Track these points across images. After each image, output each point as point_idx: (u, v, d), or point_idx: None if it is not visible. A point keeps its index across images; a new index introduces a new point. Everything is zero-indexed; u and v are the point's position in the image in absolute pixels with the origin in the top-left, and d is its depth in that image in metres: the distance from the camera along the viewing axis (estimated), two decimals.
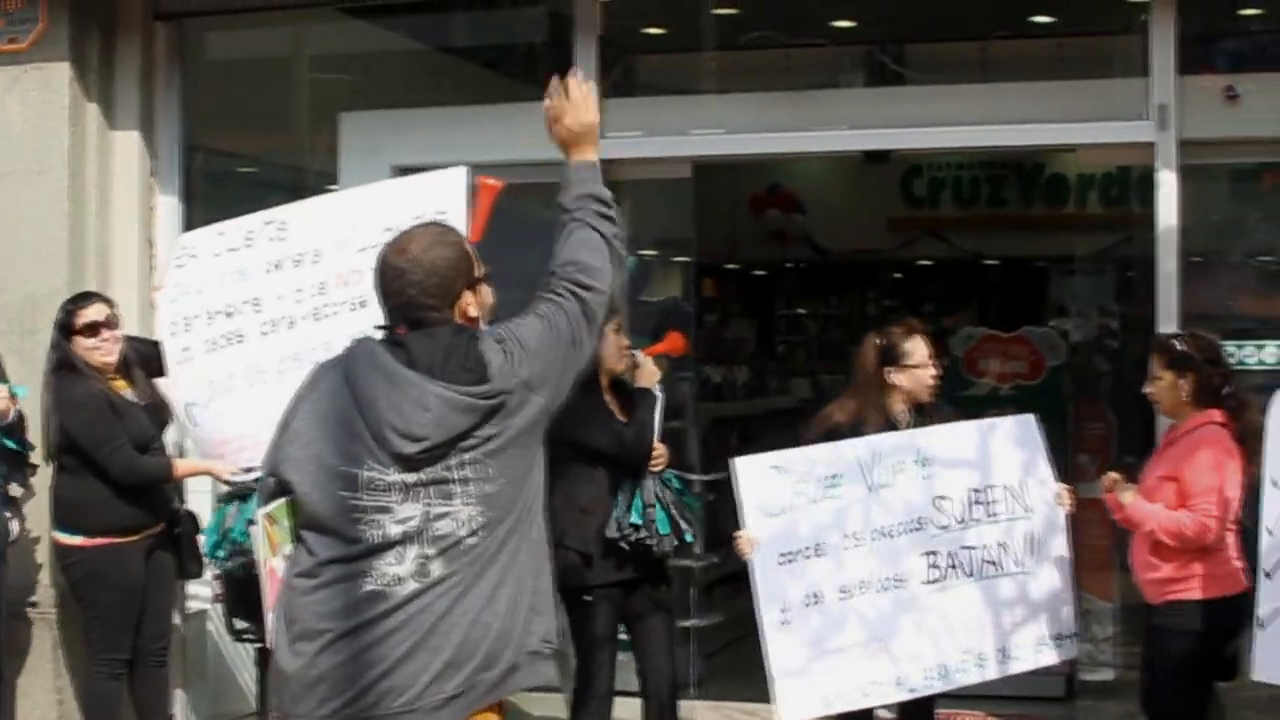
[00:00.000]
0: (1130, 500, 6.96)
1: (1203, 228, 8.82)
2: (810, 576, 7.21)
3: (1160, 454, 7.12)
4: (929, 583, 7.29)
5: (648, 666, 7.86)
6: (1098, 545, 7.92)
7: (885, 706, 7.69)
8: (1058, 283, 15.90)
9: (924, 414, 7.57)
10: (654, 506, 7.58)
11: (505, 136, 8.59)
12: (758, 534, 7.20)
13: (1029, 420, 7.39)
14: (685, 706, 8.42)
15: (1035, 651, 7.43)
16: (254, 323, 7.07)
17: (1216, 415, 6.93)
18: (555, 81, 5.00)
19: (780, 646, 7.18)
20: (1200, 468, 6.82)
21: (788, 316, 18.54)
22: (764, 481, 7.25)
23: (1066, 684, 9.99)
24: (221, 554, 7.24)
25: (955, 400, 8.47)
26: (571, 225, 4.94)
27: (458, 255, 4.78)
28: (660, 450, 7.69)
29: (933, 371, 7.54)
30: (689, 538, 7.69)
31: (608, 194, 5.01)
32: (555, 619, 4.90)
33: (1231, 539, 6.91)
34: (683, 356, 8.10)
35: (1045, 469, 7.45)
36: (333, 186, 9.24)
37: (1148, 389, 7.14)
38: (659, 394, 7.77)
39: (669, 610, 8.00)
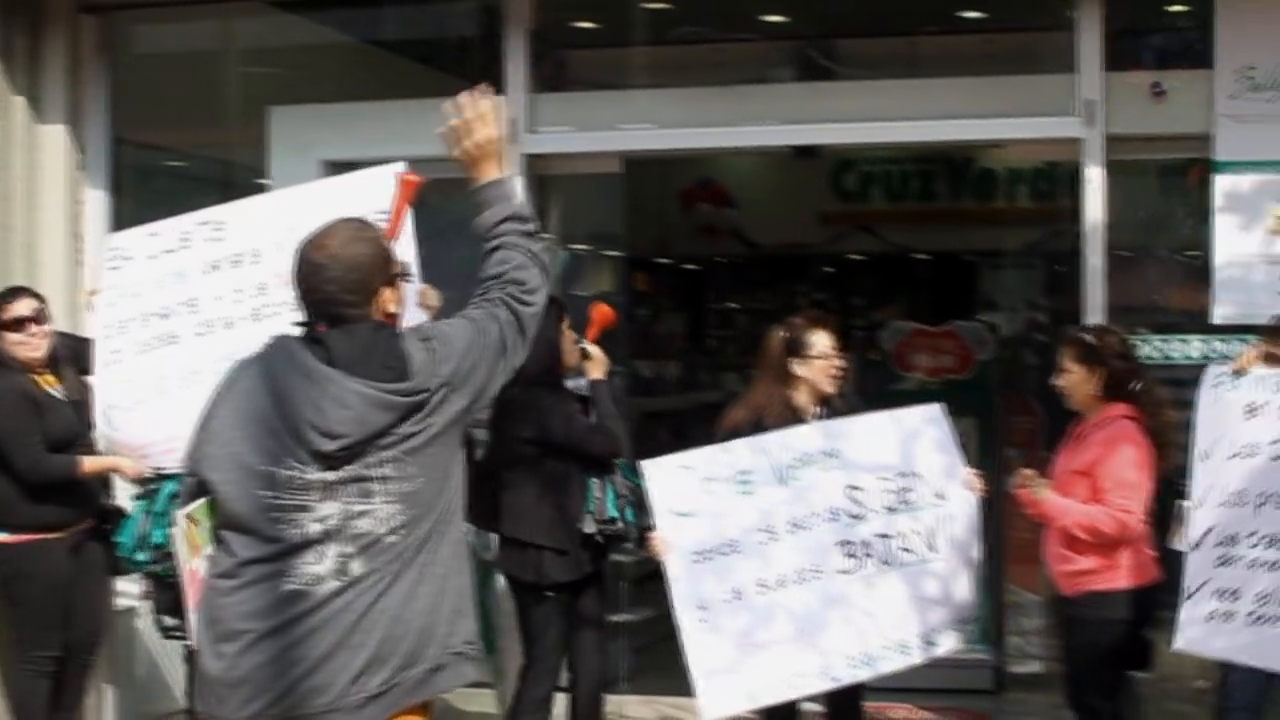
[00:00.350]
0: (1045, 496, 6.99)
1: (1129, 222, 8.87)
2: (727, 574, 7.22)
3: (1071, 448, 7.15)
4: (847, 573, 7.31)
5: (581, 663, 7.88)
6: (1025, 538, 7.94)
7: (812, 699, 7.72)
8: (987, 277, 15.95)
9: (831, 406, 7.60)
10: (625, 498, 7.61)
11: (435, 131, 8.55)
12: (671, 535, 7.21)
13: (937, 409, 7.42)
14: (615, 701, 8.44)
15: (953, 636, 7.47)
16: (189, 324, 7.00)
17: (1126, 409, 6.98)
18: (449, 104, 4.95)
19: (700, 645, 7.19)
20: (1114, 462, 6.86)
21: (719, 311, 18.55)
22: (674, 482, 7.26)
23: (995, 676, 10.05)
24: (143, 557, 7.16)
25: (885, 395, 8.50)
26: (498, 252, 4.92)
27: (377, 251, 4.76)
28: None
29: (836, 363, 7.56)
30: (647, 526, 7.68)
31: (524, 209, 4.99)
32: (476, 619, 4.90)
33: (1143, 530, 6.98)
34: (615, 335, 8.07)
35: (955, 456, 7.48)
36: (262, 181, 9.19)
37: (1057, 381, 7.18)
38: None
39: (603, 602, 8.04)
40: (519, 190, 5.06)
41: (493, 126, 4.97)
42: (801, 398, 7.57)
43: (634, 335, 13.70)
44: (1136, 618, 7.01)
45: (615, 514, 7.56)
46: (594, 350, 7.79)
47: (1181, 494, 7.26)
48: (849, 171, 16.50)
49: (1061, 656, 7.47)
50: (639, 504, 7.58)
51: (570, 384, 7.84)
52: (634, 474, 7.71)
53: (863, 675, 7.39)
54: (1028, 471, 7.17)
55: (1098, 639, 7.00)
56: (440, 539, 4.69)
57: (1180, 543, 7.24)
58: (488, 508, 7.81)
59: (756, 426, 7.45)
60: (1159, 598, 7.09)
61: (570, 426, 7.58)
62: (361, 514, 4.53)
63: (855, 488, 7.28)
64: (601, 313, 8.07)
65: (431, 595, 4.65)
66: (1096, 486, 6.88)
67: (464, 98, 4.95)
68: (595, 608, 7.92)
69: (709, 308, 18.50)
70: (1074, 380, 7.09)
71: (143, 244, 7.20)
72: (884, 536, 7.35)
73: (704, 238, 16.87)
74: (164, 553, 6.70)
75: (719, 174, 16.36)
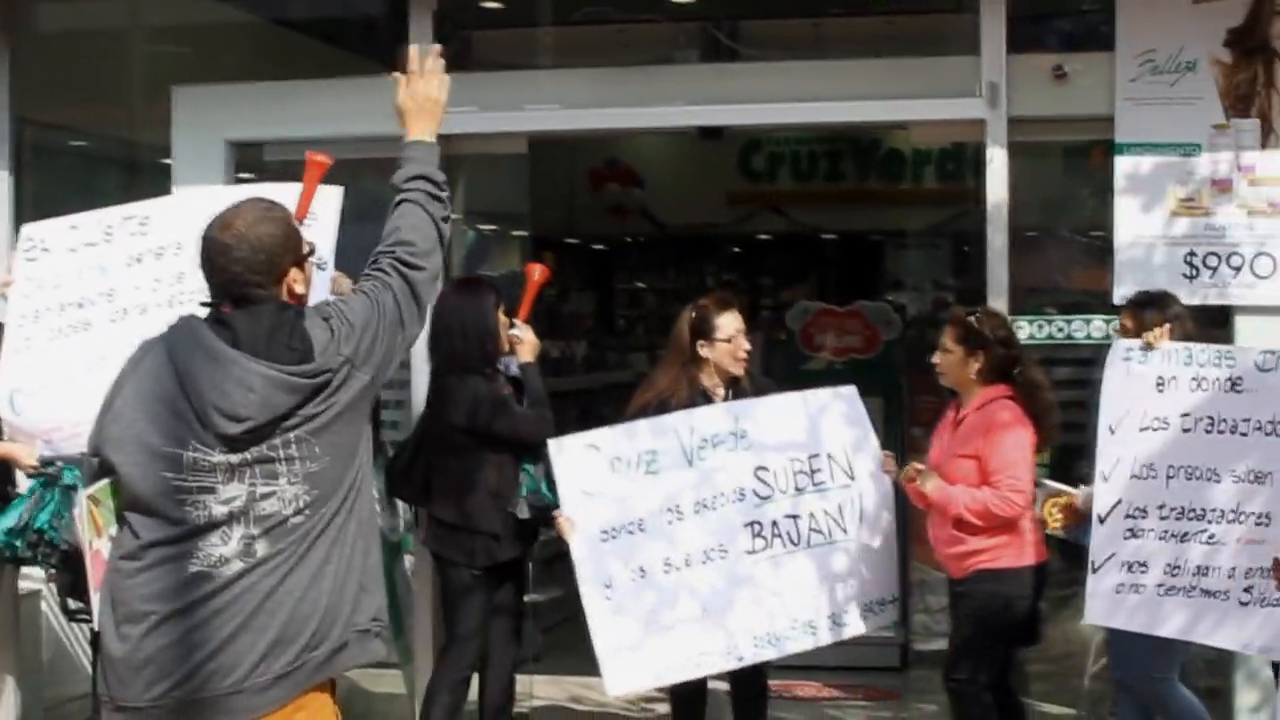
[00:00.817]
0: (934, 487, 7.04)
1: (1033, 203, 8.94)
2: (633, 553, 7.25)
3: (952, 431, 7.20)
4: (753, 553, 7.35)
5: (495, 644, 7.89)
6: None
7: (718, 678, 7.76)
8: (894, 257, 16.04)
9: (740, 387, 7.62)
10: (549, 481, 7.60)
11: (341, 111, 8.53)
12: (577, 514, 7.22)
13: (851, 391, 7.47)
14: (523, 680, 8.45)
15: (862, 617, 7.52)
16: (104, 312, 6.94)
17: (1004, 390, 7.06)
18: (412, 49, 5.01)
19: (605, 624, 7.22)
20: (1000, 444, 6.94)
21: (627, 291, 18.58)
22: (581, 461, 7.28)
23: (901, 654, 10.13)
24: (19, 543, 6.99)
25: (792, 374, 8.53)
26: (402, 205, 4.96)
27: (284, 232, 4.73)
28: None
29: (744, 345, 7.59)
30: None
31: (441, 176, 5.04)
32: (384, 597, 4.90)
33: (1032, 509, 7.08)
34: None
35: (868, 437, 7.54)
36: (166, 161, 9.13)
37: (935, 360, 7.23)
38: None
39: (522, 584, 8.06)
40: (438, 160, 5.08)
41: (442, 87, 5.07)
42: (709, 379, 7.59)
43: (541, 315, 13.69)
44: (1027, 595, 7.09)
45: (552, 499, 7.54)
46: (526, 334, 7.77)
47: (1047, 475, 7.40)
48: (757, 152, 16.55)
49: (950, 635, 7.50)
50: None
51: (501, 366, 7.81)
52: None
53: (768, 655, 7.44)
54: (917, 465, 7.21)
55: (989, 618, 7.06)
56: (347, 518, 4.68)
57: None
58: (420, 488, 7.88)
59: (664, 407, 7.47)
60: (1048, 575, 7.19)
61: (499, 414, 7.55)
62: (266, 495, 4.52)
63: (763, 468, 7.32)
64: (539, 272, 8.05)
65: (338, 575, 4.64)
66: (985, 470, 6.95)
67: (428, 50, 5.06)
68: (515, 591, 7.93)
69: (617, 288, 18.51)
70: (952, 361, 7.15)
71: (63, 236, 7.11)
72: (793, 517, 7.40)
73: (612, 218, 16.88)
74: (44, 539, 6.61)
75: (627, 154, 16.36)
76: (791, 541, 7.40)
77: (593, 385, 13.97)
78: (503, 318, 7.73)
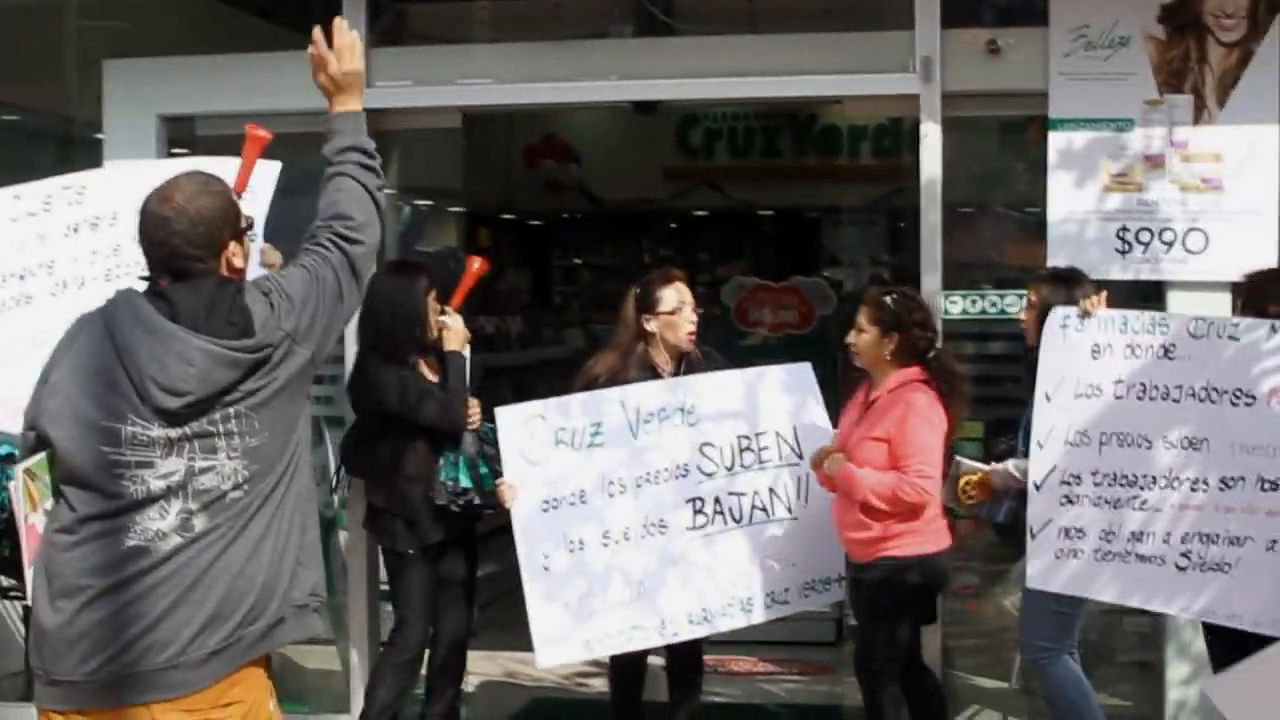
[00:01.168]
0: (840, 471, 6.99)
1: (967, 179, 8.94)
2: (573, 524, 7.29)
3: (863, 413, 7.14)
4: (694, 529, 7.37)
5: (443, 621, 7.88)
6: None
7: (653, 652, 7.77)
8: (831, 233, 16.07)
9: (690, 363, 7.63)
10: (477, 466, 7.56)
11: (276, 85, 8.47)
12: (520, 482, 7.24)
13: (803, 368, 7.48)
14: None
15: (803, 595, 7.54)
16: (45, 285, 6.92)
17: (918, 373, 7.04)
18: (319, 30, 4.99)
19: (541, 593, 7.26)
20: (912, 429, 6.89)
21: (564, 267, 18.55)
22: (527, 430, 7.30)
23: (837, 629, 10.15)
24: None
25: (727, 350, 8.54)
26: (335, 178, 4.96)
27: (223, 205, 4.74)
28: (474, 406, 7.67)
29: (689, 319, 7.59)
30: (489, 498, 7.61)
31: (371, 145, 5.04)
32: (321, 572, 4.89)
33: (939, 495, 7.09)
34: (447, 300, 8.00)
35: (820, 416, 7.55)
36: (99, 136, 9.06)
37: (850, 340, 7.19)
38: (466, 352, 7.75)
39: (473, 556, 8.01)
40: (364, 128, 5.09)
41: (357, 59, 5.05)
42: (657, 354, 7.60)
43: (477, 292, 13.64)
44: (932, 583, 7.12)
45: (469, 484, 7.51)
46: (455, 322, 7.73)
47: (959, 455, 7.42)
48: (694, 128, 16.56)
49: (859, 622, 7.42)
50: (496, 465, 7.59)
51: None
52: (495, 434, 7.69)
53: (701, 632, 7.47)
54: (825, 448, 7.16)
55: (895, 607, 7.06)
56: (285, 494, 4.69)
57: (952, 502, 7.41)
58: (363, 468, 7.92)
59: (612, 382, 7.49)
60: (951, 561, 7.20)
61: (404, 397, 7.50)
62: (205, 470, 4.52)
63: (709, 444, 7.33)
64: (478, 265, 8.01)
65: (275, 550, 4.65)
66: (895, 454, 6.90)
67: (333, 26, 5.02)
68: (461, 569, 7.90)
69: (554, 263, 18.48)
70: (868, 341, 7.10)
71: (5, 206, 7.09)
72: (737, 494, 7.42)
73: (548, 194, 16.86)
74: None
75: (564, 130, 16.34)
76: (734, 518, 7.42)
77: (528, 361, 13.96)
78: (433, 303, 7.70)
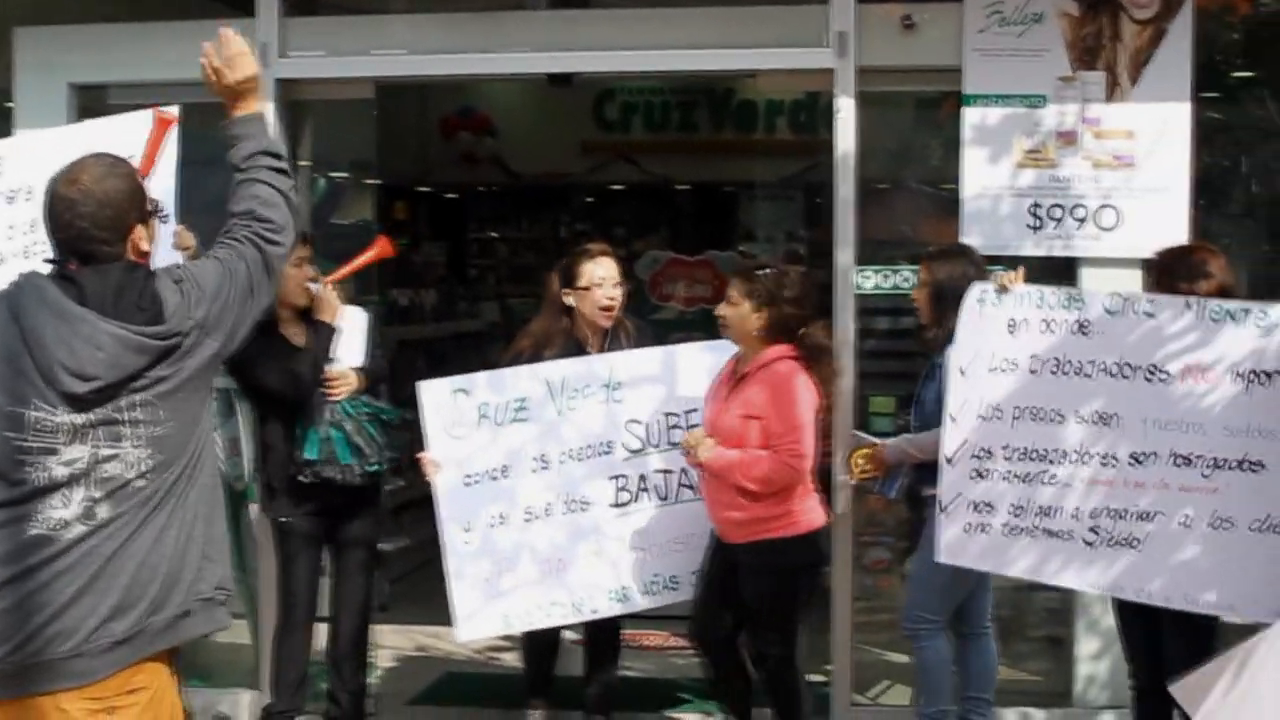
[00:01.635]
0: (711, 455, 6.91)
1: (882, 154, 8.95)
2: (495, 499, 7.28)
3: (733, 389, 7.03)
4: (617, 506, 7.37)
5: (341, 593, 7.83)
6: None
7: (571, 627, 7.76)
8: (747, 208, 16.05)
9: (618, 338, 7.60)
10: (329, 440, 7.49)
11: (187, 54, 8.31)
12: (442, 456, 7.22)
13: (725, 345, 7.45)
14: (372, 631, 8.38)
15: None
16: None
17: (788, 349, 6.94)
18: (208, 45, 4.99)
19: (461, 567, 7.24)
20: (784, 407, 6.80)
21: (480, 240, 18.48)
22: (450, 404, 7.28)
23: None
24: None
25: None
26: (249, 184, 4.96)
27: (130, 187, 4.71)
28: (339, 377, 7.58)
29: (606, 293, 7.56)
30: (374, 467, 7.57)
31: (279, 147, 5.08)
32: (229, 566, 4.87)
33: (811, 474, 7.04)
34: (362, 273, 7.95)
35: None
36: (9, 105, 8.96)
37: (720, 312, 7.10)
38: (340, 326, 7.66)
39: (370, 538, 7.93)
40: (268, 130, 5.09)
41: (251, 64, 5.05)
42: (581, 329, 7.58)
43: (392, 264, 13.59)
44: (812, 562, 7.08)
45: (314, 455, 7.46)
46: (326, 294, 7.61)
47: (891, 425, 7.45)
48: (610, 101, 16.51)
49: (737, 606, 7.26)
50: (367, 442, 7.53)
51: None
52: (370, 408, 7.60)
53: (621, 609, 7.48)
54: (696, 433, 7.07)
55: (780, 589, 7.00)
56: (189, 484, 4.67)
57: (844, 475, 7.54)
58: None
59: (538, 356, 7.48)
60: (827, 540, 7.17)
61: (247, 360, 7.36)
62: (110, 458, 4.48)
63: (635, 421, 7.31)
64: (382, 246, 7.93)
65: (179, 540, 4.63)
66: (768, 431, 6.81)
67: (222, 35, 5.01)
68: (349, 538, 7.81)
69: (470, 237, 18.41)
70: (737, 315, 7.00)
71: None
72: (663, 472, 7.41)
73: (465, 166, 16.79)
74: None
75: (480, 102, 16.28)
76: (659, 496, 7.43)
77: (443, 334, 13.91)
78: (300, 270, 7.57)
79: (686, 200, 17.73)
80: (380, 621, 9.44)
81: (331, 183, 10.46)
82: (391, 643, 9.59)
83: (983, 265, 7.45)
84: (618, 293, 7.64)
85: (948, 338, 7.08)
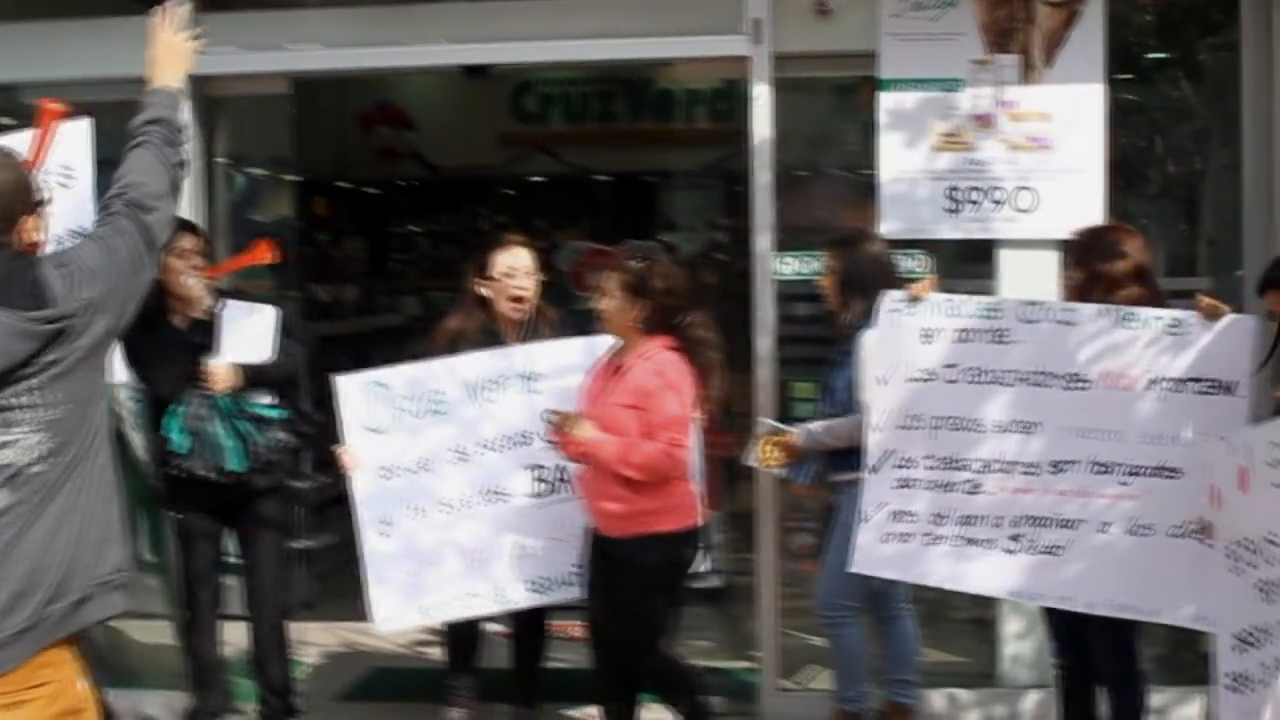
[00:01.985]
0: (591, 437, 6.77)
1: (800, 141, 8.97)
2: (412, 492, 7.28)
3: (613, 379, 6.92)
4: (535, 497, 7.35)
5: (251, 588, 7.79)
6: (705, 455, 8.02)
7: (494, 619, 7.76)
8: (667, 198, 16.04)
9: (539, 329, 7.60)
10: (195, 434, 7.44)
11: (101, 52, 8.35)
12: (359, 450, 7.21)
13: None
14: (297, 628, 8.36)
15: None
16: None
17: (668, 341, 6.85)
18: (161, 8, 5.02)
19: (379, 559, 7.25)
20: (663, 398, 6.69)
21: (400, 234, 18.40)
22: (367, 398, 7.28)
23: None
24: None
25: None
26: (135, 149, 4.95)
27: (19, 179, 4.68)
28: (213, 372, 7.46)
29: (517, 284, 7.55)
30: (233, 464, 7.48)
31: (180, 121, 5.04)
32: (127, 547, 4.83)
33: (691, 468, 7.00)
34: (282, 269, 7.91)
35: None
36: None
37: (598, 305, 7.01)
38: (226, 320, 7.56)
39: (276, 531, 7.87)
40: (181, 106, 5.07)
41: (186, 40, 5.15)
42: (498, 319, 7.57)
43: (312, 260, 13.55)
44: (690, 557, 6.99)
45: (179, 448, 7.44)
46: (188, 286, 7.48)
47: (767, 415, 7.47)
48: (529, 93, 16.46)
49: (606, 602, 7.17)
50: (233, 438, 7.48)
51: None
52: (234, 405, 7.52)
53: (539, 600, 7.48)
54: (562, 411, 6.93)
55: (659, 584, 6.90)
56: (87, 466, 4.62)
57: (754, 463, 7.55)
58: None
59: (455, 347, 7.46)
60: (703, 537, 7.10)
61: (133, 355, 7.31)
62: (6, 444, 4.44)
63: (554, 412, 7.28)
64: (259, 251, 7.78)
65: (77, 525, 4.58)
66: (648, 422, 6.69)
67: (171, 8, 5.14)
68: (252, 531, 7.78)
69: (390, 231, 18.33)
70: (614, 308, 6.90)
71: None
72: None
73: (384, 161, 16.72)
74: None
75: (398, 96, 16.20)
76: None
77: (364, 329, 13.87)
78: (183, 261, 7.48)
79: (607, 191, 17.69)
80: (307, 619, 9.42)
81: (250, 179, 10.41)
82: (319, 640, 9.56)
83: (887, 247, 7.49)
84: (529, 283, 7.64)
85: (858, 322, 7.12)
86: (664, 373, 6.74)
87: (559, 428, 6.86)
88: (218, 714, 7.84)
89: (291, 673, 7.96)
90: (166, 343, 7.43)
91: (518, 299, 7.59)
